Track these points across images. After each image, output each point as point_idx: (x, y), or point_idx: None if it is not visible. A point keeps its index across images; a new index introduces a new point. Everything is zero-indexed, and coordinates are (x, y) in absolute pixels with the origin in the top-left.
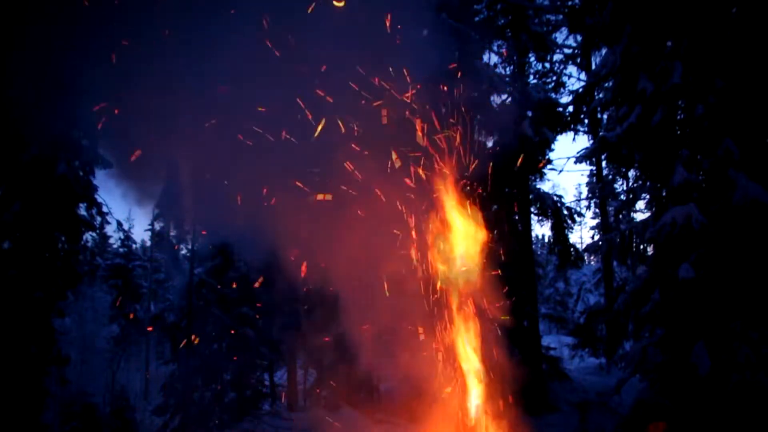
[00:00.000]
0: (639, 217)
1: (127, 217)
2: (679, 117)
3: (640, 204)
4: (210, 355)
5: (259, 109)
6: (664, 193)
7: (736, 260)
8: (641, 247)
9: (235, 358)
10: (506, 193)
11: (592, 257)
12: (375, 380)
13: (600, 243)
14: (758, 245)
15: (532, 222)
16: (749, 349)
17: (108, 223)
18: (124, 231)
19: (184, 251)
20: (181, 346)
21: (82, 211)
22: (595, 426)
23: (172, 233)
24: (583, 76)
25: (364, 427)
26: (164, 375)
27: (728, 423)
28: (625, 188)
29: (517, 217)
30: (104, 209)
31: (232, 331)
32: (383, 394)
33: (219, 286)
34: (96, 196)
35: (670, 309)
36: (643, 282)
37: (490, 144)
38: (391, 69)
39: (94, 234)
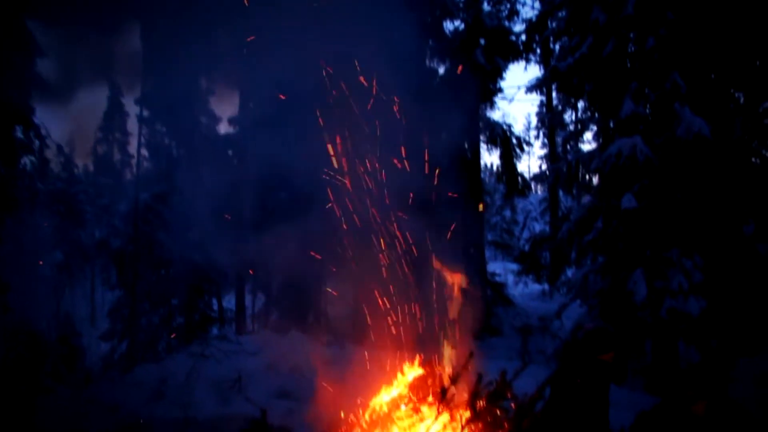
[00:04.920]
0: (586, 148)
1: (68, 140)
2: (630, 50)
3: (588, 135)
4: (157, 281)
5: None
6: (611, 125)
7: (677, 192)
8: (587, 177)
9: (182, 283)
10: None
11: (538, 186)
12: (323, 304)
13: (547, 172)
14: (699, 177)
15: (481, 150)
16: (683, 277)
17: (47, 146)
18: (65, 155)
19: (128, 176)
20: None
21: (19, 134)
22: (537, 348)
23: (117, 157)
24: (537, 4)
25: (311, 350)
26: (110, 301)
27: (661, 347)
28: (573, 119)
29: (466, 145)
30: (42, 132)
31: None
32: (331, 319)
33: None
34: (33, 118)
35: (612, 237)
36: (587, 211)
37: (441, 71)
38: None
39: (32, 158)
